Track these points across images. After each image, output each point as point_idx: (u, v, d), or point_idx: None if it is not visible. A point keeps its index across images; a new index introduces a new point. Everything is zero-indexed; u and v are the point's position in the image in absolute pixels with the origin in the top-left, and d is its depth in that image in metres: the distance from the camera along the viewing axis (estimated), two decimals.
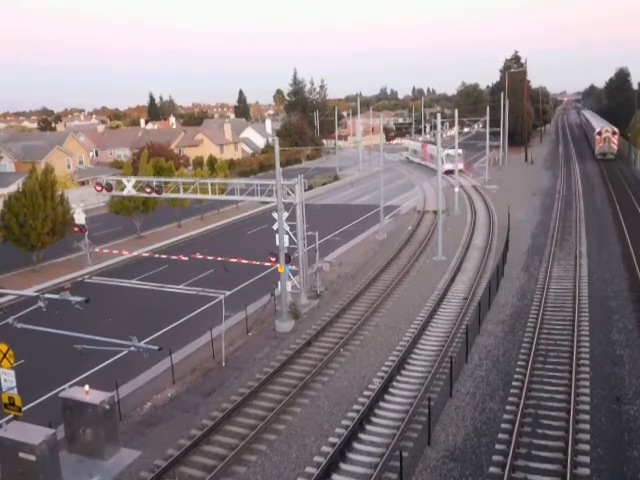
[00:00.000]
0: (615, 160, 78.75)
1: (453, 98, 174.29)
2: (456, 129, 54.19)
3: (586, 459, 15.26)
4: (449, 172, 65.01)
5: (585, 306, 25.91)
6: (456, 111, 52.15)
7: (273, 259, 26.85)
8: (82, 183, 69.69)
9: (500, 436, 16.51)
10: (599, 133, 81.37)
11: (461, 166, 65.96)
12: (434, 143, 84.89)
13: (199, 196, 35.23)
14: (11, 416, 16.14)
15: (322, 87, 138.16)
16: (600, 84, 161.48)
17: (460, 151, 63.54)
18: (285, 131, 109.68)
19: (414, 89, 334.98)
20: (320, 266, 31.25)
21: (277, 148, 26.86)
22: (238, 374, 21.78)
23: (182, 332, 26.04)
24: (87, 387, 16.77)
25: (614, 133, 79.76)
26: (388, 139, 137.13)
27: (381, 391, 19.21)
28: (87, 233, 37.80)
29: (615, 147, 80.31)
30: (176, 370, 21.68)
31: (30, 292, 25.03)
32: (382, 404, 18.67)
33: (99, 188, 33.37)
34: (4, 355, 15.46)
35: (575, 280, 29.18)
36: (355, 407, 18.52)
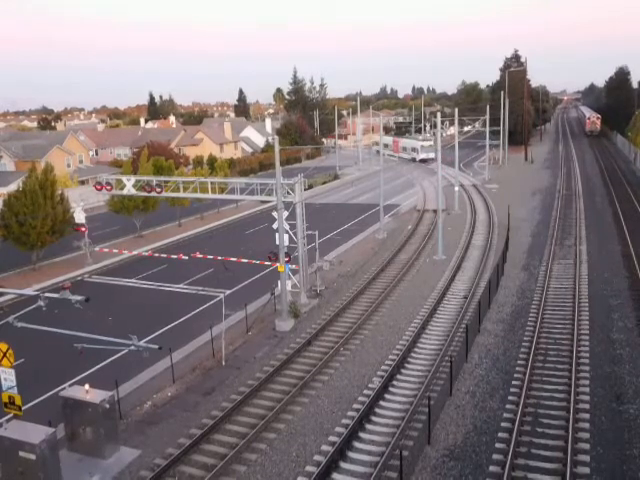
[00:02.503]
0: (599, 137, 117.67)
1: (453, 97, 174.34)
2: (456, 128, 54.14)
3: (586, 458, 15.27)
4: (424, 160, 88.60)
5: (585, 305, 25.91)
6: (456, 110, 52.16)
7: (273, 258, 26.85)
8: (82, 182, 69.63)
9: (500, 435, 16.52)
10: (589, 118, 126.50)
11: (432, 155, 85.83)
12: (404, 138, 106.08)
13: (199, 195, 35.23)
14: (11, 415, 16.15)
15: (322, 86, 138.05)
16: (600, 83, 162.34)
17: (432, 143, 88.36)
18: (285, 130, 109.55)
19: (414, 88, 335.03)
20: (320, 265, 31.25)
21: (277, 147, 26.84)
22: (238, 373, 21.78)
23: (182, 331, 26.03)
24: (87, 386, 16.77)
25: (598, 118, 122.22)
26: None
27: (381, 390, 19.22)
28: (87, 232, 37.81)
29: (598, 127, 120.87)
30: (176, 369, 21.68)
31: (30, 291, 25.03)
32: (382, 403, 18.68)
33: (99, 187, 33.41)
34: (4, 354, 15.45)
35: (575, 279, 29.17)
36: (355, 406, 18.52)
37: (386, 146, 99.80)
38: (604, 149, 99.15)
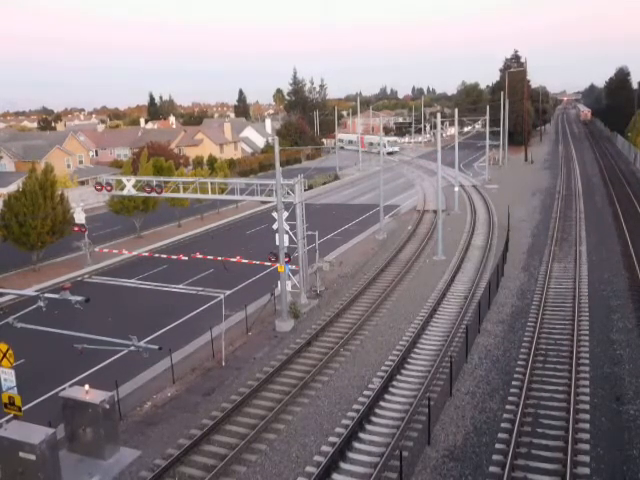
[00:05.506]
0: (588, 124, 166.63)
1: (453, 97, 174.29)
2: (456, 128, 54.21)
3: (586, 458, 15.27)
4: (389, 153, 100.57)
5: (585, 305, 25.91)
6: (456, 110, 52.21)
7: (273, 259, 26.85)
8: (82, 183, 69.69)
9: (500, 435, 16.51)
10: (582, 111, 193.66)
11: (397, 149, 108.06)
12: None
13: (199, 196, 35.29)
14: (11, 415, 16.14)
15: (322, 86, 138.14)
16: (600, 83, 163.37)
17: (397, 139, 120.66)
18: (285, 131, 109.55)
19: (414, 88, 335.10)
20: (320, 266, 31.23)
21: (277, 148, 26.83)
22: (238, 373, 21.78)
23: (182, 332, 26.03)
24: (87, 386, 16.76)
25: (589, 111, 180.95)
26: None
27: (381, 390, 19.22)
28: (87, 232, 37.80)
29: (589, 117, 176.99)
30: (176, 370, 21.69)
31: (30, 292, 25.02)
32: (382, 403, 18.68)
33: (99, 187, 33.42)
34: (4, 355, 15.45)
35: (575, 280, 29.17)
36: (355, 407, 18.52)
37: (351, 142, 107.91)
38: (604, 150, 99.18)
